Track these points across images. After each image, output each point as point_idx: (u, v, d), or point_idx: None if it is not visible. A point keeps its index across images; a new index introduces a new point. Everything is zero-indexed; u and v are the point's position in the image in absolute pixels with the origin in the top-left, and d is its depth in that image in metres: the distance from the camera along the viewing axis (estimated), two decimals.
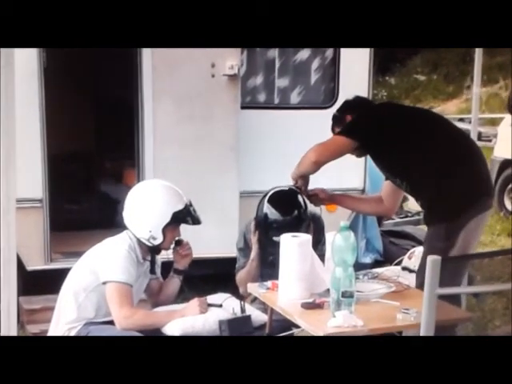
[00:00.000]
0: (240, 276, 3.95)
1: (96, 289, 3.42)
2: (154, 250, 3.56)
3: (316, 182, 3.71)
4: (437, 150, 3.43)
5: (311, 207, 3.86)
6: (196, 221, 3.54)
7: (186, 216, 3.51)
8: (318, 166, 3.52)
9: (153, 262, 3.60)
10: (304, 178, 3.65)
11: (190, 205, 3.54)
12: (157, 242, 3.49)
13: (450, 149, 3.45)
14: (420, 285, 3.22)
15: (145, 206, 3.50)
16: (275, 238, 3.47)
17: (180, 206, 3.49)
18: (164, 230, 3.47)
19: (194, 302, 3.40)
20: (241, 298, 3.57)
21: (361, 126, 3.54)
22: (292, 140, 5.28)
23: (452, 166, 3.39)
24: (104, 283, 3.38)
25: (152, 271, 3.62)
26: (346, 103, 3.76)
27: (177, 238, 3.59)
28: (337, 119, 3.70)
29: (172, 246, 3.59)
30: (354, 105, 3.70)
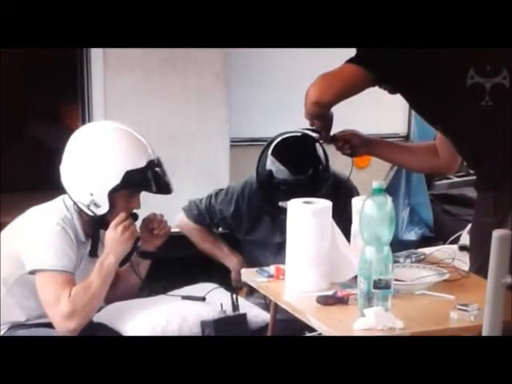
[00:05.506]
0: (190, 233, 4.12)
1: (20, 281, 3.43)
2: (98, 223, 3.48)
3: (340, 124, 3.67)
4: (488, 87, 3.35)
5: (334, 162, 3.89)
6: (163, 187, 3.48)
7: (147, 179, 3.43)
8: (321, 108, 3.45)
9: (95, 241, 3.53)
10: (322, 117, 3.55)
11: (158, 164, 3.47)
12: (100, 212, 3.42)
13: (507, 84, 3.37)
14: (476, 270, 3.28)
15: (88, 159, 3.43)
16: (282, 204, 3.50)
17: (140, 163, 3.42)
18: (112, 196, 3.39)
19: (112, 225, 3.38)
20: (233, 289, 3.63)
21: (381, 51, 3.42)
22: (304, 67, 5.29)
23: (506, 110, 3.33)
24: (32, 273, 3.38)
25: (92, 253, 3.53)
26: None
27: (134, 211, 3.50)
28: None
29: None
30: None
